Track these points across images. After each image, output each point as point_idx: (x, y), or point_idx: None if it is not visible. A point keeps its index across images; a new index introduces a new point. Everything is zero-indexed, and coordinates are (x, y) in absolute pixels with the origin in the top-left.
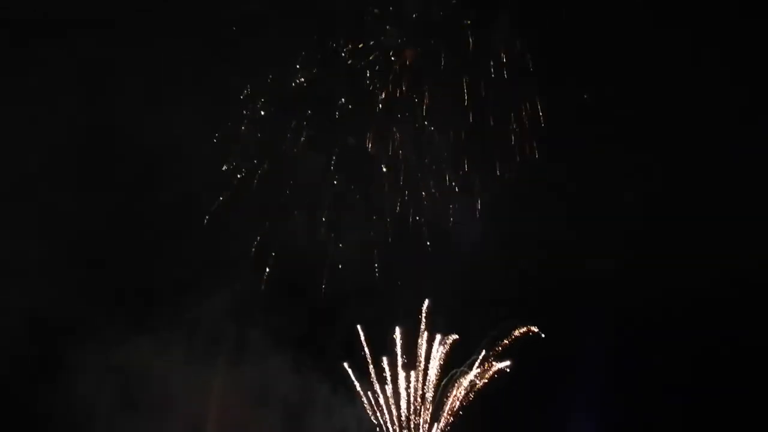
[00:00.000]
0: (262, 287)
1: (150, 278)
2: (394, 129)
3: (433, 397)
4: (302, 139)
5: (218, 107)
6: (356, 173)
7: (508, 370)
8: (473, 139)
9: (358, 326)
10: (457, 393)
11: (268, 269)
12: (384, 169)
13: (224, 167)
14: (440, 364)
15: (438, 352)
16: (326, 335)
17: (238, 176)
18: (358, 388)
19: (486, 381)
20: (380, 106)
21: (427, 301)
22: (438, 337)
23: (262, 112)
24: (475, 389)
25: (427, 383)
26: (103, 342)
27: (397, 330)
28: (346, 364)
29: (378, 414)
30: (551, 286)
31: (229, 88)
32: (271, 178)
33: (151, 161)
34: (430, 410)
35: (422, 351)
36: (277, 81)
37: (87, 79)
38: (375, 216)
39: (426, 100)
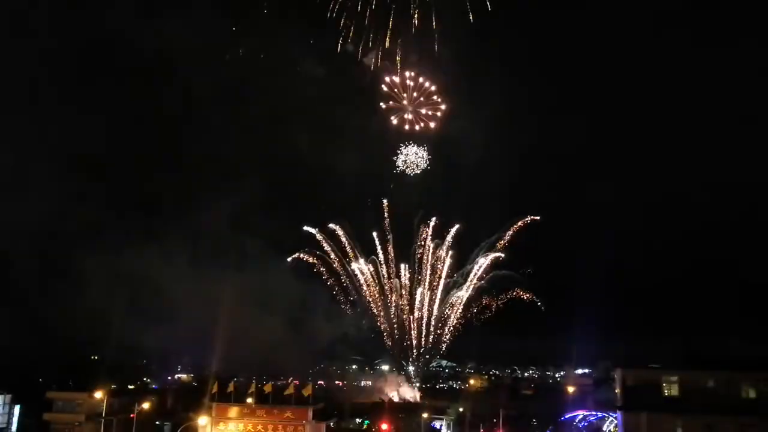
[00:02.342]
0: (258, 201)
1: (154, 188)
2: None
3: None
4: (299, 60)
5: (217, 18)
6: (357, 88)
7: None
8: (477, 52)
9: (333, 225)
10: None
11: (270, 180)
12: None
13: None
14: (438, 264)
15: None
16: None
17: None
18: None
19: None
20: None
21: (433, 218)
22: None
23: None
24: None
25: (425, 282)
26: (110, 249)
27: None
28: (301, 255)
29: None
30: (554, 198)
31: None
32: (271, 89)
33: (153, 72)
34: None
35: (422, 252)
36: None
37: None
38: (376, 129)
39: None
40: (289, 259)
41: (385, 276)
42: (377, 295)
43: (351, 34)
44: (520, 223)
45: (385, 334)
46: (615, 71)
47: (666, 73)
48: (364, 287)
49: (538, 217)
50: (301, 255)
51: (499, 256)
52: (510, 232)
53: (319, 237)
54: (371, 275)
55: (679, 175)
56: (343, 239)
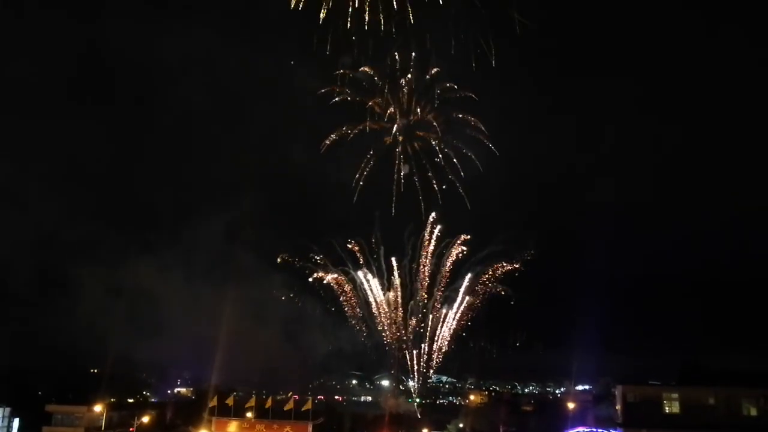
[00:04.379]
0: (255, 212)
1: (151, 200)
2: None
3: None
4: (292, 62)
5: (215, 30)
6: (353, 101)
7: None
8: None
9: (315, 255)
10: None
11: (266, 192)
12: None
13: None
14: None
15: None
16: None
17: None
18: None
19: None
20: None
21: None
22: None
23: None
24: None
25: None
26: (108, 263)
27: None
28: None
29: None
30: (553, 205)
31: (227, 10)
32: (266, 103)
33: (151, 83)
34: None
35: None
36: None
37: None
38: (372, 141)
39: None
40: (275, 291)
41: (376, 290)
42: (359, 309)
43: (349, 54)
44: (512, 265)
45: (369, 349)
46: (613, 83)
47: (664, 89)
48: (345, 300)
49: (532, 252)
50: (291, 295)
51: (493, 273)
52: (506, 266)
53: (311, 253)
54: (362, 289)
55: (678, 186)
56: (334, 254)
